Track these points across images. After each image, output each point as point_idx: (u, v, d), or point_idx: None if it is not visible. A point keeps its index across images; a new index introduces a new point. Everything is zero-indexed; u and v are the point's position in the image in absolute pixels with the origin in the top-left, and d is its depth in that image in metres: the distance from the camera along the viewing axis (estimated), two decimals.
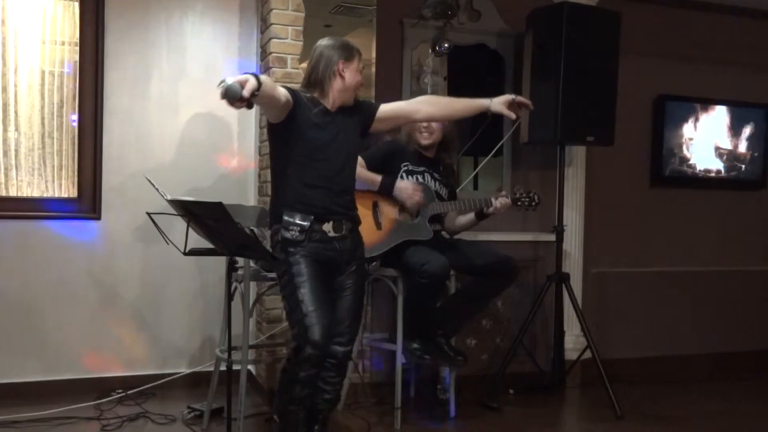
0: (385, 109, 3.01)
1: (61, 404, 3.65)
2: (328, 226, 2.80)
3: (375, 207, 3.55)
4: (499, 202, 3.63)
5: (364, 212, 3.17)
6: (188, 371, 4.12)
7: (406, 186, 3.55)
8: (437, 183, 3.74)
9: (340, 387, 2.99)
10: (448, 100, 3.20)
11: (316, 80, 2.84)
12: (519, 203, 3.71)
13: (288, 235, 2.75)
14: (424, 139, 3.69)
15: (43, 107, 4.00)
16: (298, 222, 2.75)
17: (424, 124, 3.65)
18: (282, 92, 2.67)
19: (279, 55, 3.84)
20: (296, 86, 3.00)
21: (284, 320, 3.56)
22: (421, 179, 3.69)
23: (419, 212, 3.61)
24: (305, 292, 2.71)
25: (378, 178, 3.52)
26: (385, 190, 3.54)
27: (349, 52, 2.86)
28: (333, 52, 2.83)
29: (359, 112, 2.95)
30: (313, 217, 2.76)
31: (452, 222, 3.85)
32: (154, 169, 4.00)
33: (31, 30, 3.96)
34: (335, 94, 2.84)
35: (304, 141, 2.77)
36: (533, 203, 3.72)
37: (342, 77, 2.83)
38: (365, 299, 3.30)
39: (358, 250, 2.94)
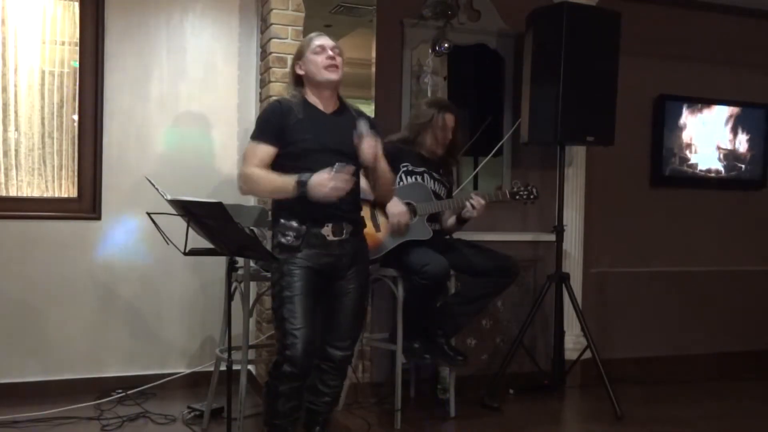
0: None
1: (61, 404, 3.65)
2: (327, 230, 2.72)
3: (373, 210, 3.54)
4: (471, 204, 3.59)
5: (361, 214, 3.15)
6: (188, 371, 4.13)
7: (397, 204, 3.47)
8: (436, 183, 3.75)
9: (339, 390, 2.96)
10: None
11: (293, 87, 2.86)
12: (517, 197, 3.70)
13: (284, 240, 2.70)
14: (442, 149, 3.75)
15: (43, 107, 4.00)
16: (293, 225, 2.69)
17: (448, 136, 3.72)
18: (264, 156, 2.72)
19: (279, 55, 3.84)
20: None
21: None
22: (420, 179, 3.69)
23: (416, 212, 3.61)
24: (291, 309, 2.65)
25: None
26: (378, 204, 3.48)
27: (298, 50, 2.84)
28: (292, 59, 2.89)
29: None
30: (308, 222, 2.70)
31: (444, 223, 3.85)
32: (154, 169, 4.01)
33: (31, 30, 3.96)
34: (312, 90, 2.81)
35: (296, 143, 2.72)
36: (531, 196, 3.71)
37: (301, 74, 2.81)
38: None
39: (360, 254, 2.86)
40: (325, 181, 2.54)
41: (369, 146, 2.69)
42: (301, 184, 2.57)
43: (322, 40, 2.81)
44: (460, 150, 3.94)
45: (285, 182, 2.62)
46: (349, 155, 2.77)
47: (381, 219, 3.56)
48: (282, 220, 2.73)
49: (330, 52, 2.78)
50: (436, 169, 3.78)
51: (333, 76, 2.77)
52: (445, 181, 3.82)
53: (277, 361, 2.69)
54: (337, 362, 2.85)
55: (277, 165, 2.76)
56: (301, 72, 2.82)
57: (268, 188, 2.72)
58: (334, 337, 2.81)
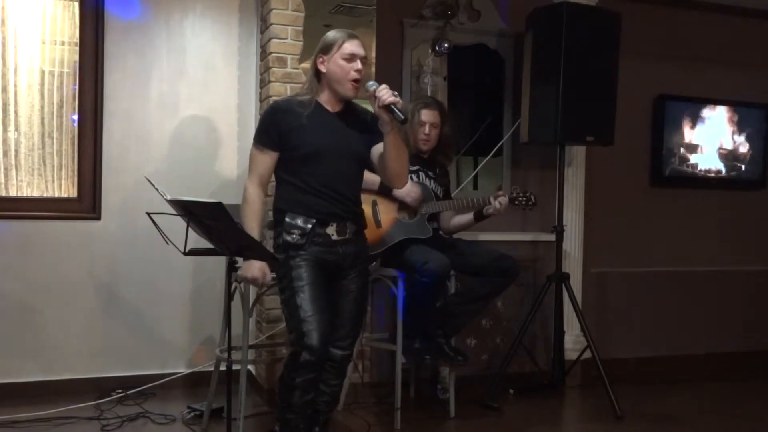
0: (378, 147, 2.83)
1: (61, 404, 3.65)
2: (331, 229, 2.73)
3: (374, 206, 3.56)
4: (499, 202, 3.63)
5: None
6: (188, 371, 4.12)
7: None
8: (432, 182, 3.76)
9: (339, 389, 2.97)
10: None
11: (309, 80, 2.80)
12: (516, 203, 3.71)
13: (289, 238, 2.70)
14: (423, 144, 3.74)
15: (43, 107, 4.00)
16: (299, 225, 2.70)
17: (425, 131, 3.71)
18: (265, 167, 2.77)
19: (279, 55, 3.84)
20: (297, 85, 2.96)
21: (284, 320, 3.55)
22: (415, 178, 3.70)
23: (417, 210, 3.62)
24: (304, 297, 2.65)
25: (378, 178, 3.50)
26: (385, 190, 3.54)
27: (327, 44, 2.74)
28: (317, 48, 2.78)
29: (370, 123, 2.79)
30: (315, 220, 2.71)
31: (447, 222, 3.85)
32: (154, 169, 4.01)
33: (31, 30, 3.96)
34: (327, 90, 2.76)
35: (300, 146, 2.71)
36: (530, 203, 3.72)
37: (323, 71, 2.73)
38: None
39: (362, 254, 2.87)
40: (248, 271, 2.73)
41: (384, 89, 2.58)
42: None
43: (355, 48, 2.71)
44: (452, 148, 3.93)
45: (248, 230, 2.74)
46: (353, 157, 2.79)
47: (382, 215, 3.57)
48: (287, 219, 2.73)
49: (359, 65, 2.71)
50: (431, 168, 3.79)
51: (354, 93, 2.75)
52: (441, 180, 3.83)
53: (293, 351, 2.67)
54: (338, 361, 2.85)
55: (284, 168, 2.77)
56: (323, 69, 2.74)
57: (242, 221, 2.75)
58: (335, 336, 2.81)
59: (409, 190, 3.56)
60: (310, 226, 2.70)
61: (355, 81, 2.72)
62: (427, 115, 3.71)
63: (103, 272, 4.03)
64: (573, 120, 4.05)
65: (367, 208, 3.37)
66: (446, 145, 3.83)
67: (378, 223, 3.54)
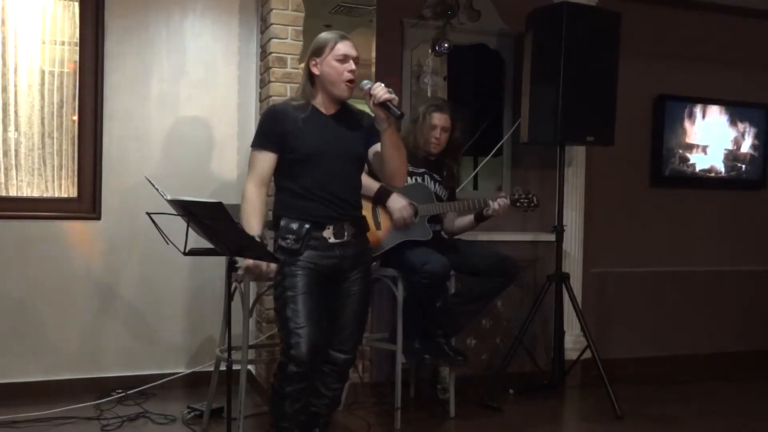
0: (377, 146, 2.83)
1: (61, 404, 3.65)
2: (328, 232, 2.70)
3: (374, 207, 3.56)
4: (498, 203, 3.63)
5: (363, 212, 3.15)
6: (188, 371, 4.12)
7: (398, 199, 3.52)
8: (437, 184, 3.75)
9: (340, 392, 2.95)
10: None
11: (303, 84, 2.79)
12: (518, 204, 3.71)
13: (284, 243, 2.68)
14: (434, 148, 3.73)
15: (43, 107, 4.00)
16: (294, 229, 2.67)
17: (436, 135, 3.69)
18: (265, 167, 2.75)
19: (279, 55, 3.84)
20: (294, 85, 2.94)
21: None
22: (420, 180, 3.70)
23: (418, 212, 3.62)
24: (295, 309, 2.62)
25: (375, 186, 3.49)
26: (379, 201, 3.53)
27: (318, 47, 2.72)
28: (309, 51, 2.77)
29: (366, 123, 2.80)
30: (309, 224, 2.68)
31: (451, 223, 3.85)
32: (154, 169, 4.01)
33: (31, 30, 3.96)
34: (321, 93, 2.75)
35: (296, 150, 2.70)
36: (532, 204, 3.72)
37: (316, 74, 2.72)
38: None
39: (362, 256, 2.83)
40: (253, 269, 2.71)
41: (378, 87, 2.59)
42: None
43: (347, 49, 2.71)
44: (460, 151, 3.94)
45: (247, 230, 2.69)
46: (351, 158, 2.78)
47: (382, 217, 3.56)
48: (282, 223, 2.71)
49: (353, 65, 2.71)
50: (438, 170, 3.79)
51: (349, 93, 2.74)
52: (447, 183, 3.82)
53: (281, 362, 2.67)
54: (340, 365, 2.84)
55: (281, 172, 2.76)
56: (316, 72, 2.73)
57: (242, 220, 2.73)
58: (336, 340, 2.80)
59: (402, 208, 3.52)
60: (304, 230, 2.68)
61: (350, 81, 2.71)
62: (439, 118, 3.70)
63: (103, 272, 4.03)
64: (573, 120, 4.05)
65: (367, 211, 3.37)
66: (455, 148, 3.83)
67: (378, 225, 3.54)
